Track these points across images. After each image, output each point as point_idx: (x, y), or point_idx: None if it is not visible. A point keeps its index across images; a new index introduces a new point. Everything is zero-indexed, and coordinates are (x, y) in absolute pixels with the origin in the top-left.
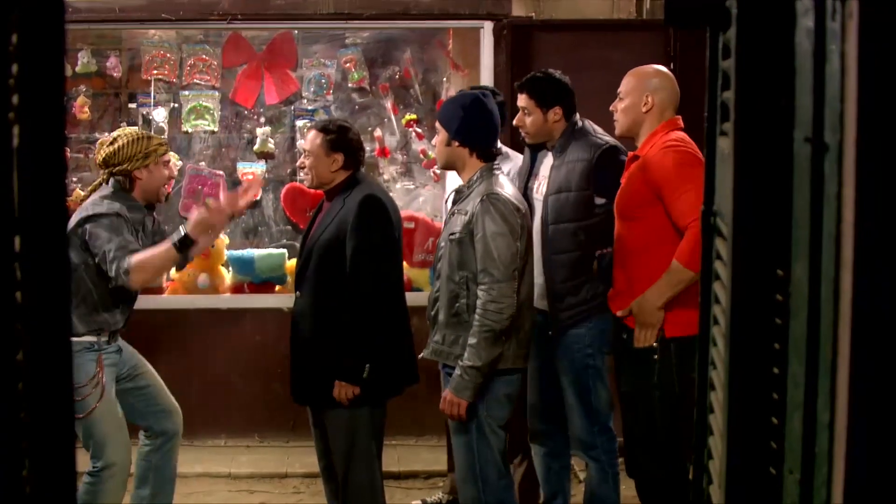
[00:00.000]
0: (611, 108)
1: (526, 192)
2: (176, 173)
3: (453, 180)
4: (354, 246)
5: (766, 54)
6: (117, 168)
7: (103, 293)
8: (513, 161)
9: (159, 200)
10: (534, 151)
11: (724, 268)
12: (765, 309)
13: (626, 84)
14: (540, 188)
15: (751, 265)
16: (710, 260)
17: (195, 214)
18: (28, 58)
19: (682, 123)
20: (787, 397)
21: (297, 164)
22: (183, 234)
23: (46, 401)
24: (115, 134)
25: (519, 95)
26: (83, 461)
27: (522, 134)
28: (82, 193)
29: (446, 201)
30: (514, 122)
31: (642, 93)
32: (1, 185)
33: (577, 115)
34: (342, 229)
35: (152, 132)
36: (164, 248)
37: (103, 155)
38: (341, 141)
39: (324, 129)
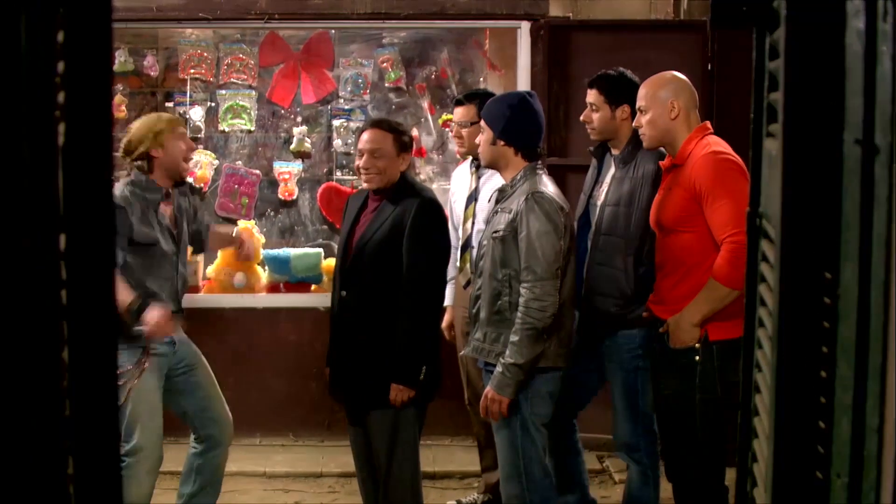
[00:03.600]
0: (634, 124)
1: (591, 198)
2: (195, 146)
3: (458, 179)
4: (416, 251)
5: (815, 55)
6: (135, 153)
7: (140, 273)
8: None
9: (182, 176)
10: (599, 159)
11: (771, 270)
12: (813, 312)
13: (646, 96)
14: (602, 196)
15: (799, 268)
16: (756, 262)
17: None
18: (75, 55)
19: (711, 127)
20: (834, 401)
21: (361, 163)
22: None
23: (91, 400)
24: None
25: (588, 91)
26: None
27: (588, 130)
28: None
29: (454, 201)
30: (582, 117)
31: (666, 100)
32: (46, 184)
33: None
34: (397, 231)
35: (188, 131)
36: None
37: (122, 145)
38: (408, 142)
39: (393, 129)
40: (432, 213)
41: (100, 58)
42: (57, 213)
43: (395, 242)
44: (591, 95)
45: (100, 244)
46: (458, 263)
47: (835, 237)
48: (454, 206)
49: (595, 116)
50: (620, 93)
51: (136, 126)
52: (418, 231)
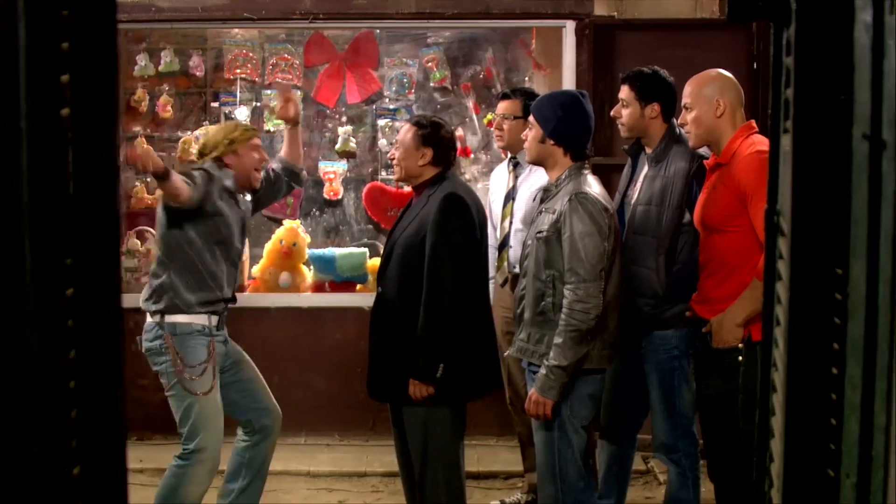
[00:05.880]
0: (679, 121)
1: (625, 198)
2: (268, 158)
3: (497, 179)
4: (432, 244)
5: (824, 50)
6: (208, 157)
7: (210, 267)
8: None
9: (252, 186)
10: (634, 158)
11: (786, 267)
12: (824, 308)
13: (691, 93)
14: (636, 195)
15: (810, 264)
16: (773, 259)
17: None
18: (81, 55)
19: (756, 126)
20: (844, 399)
21: (388, 155)
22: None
23: (98, 400)
24: (204, 129)
25: (621, 87)
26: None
27: (619, 126)
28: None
29: (492, 200)
30: (612, 112)
31: (711, 97)
32: (56, 179)
33: (676, 121)
34: (423, 226)
35: None
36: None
37: (197, 147)
38: (432, 136)
39: (417, 123)
40: (451, 207)
41: (106, 57)
42: (67, 208)
43: (421, 238)
44: (623, 91)
45: (106, 240)
46: (495, 262)
47: (845, 232)
48: (492, 205)
49: (624, 112)
50: (651, 91)
51: (213, 131)
52: (437, 225)
